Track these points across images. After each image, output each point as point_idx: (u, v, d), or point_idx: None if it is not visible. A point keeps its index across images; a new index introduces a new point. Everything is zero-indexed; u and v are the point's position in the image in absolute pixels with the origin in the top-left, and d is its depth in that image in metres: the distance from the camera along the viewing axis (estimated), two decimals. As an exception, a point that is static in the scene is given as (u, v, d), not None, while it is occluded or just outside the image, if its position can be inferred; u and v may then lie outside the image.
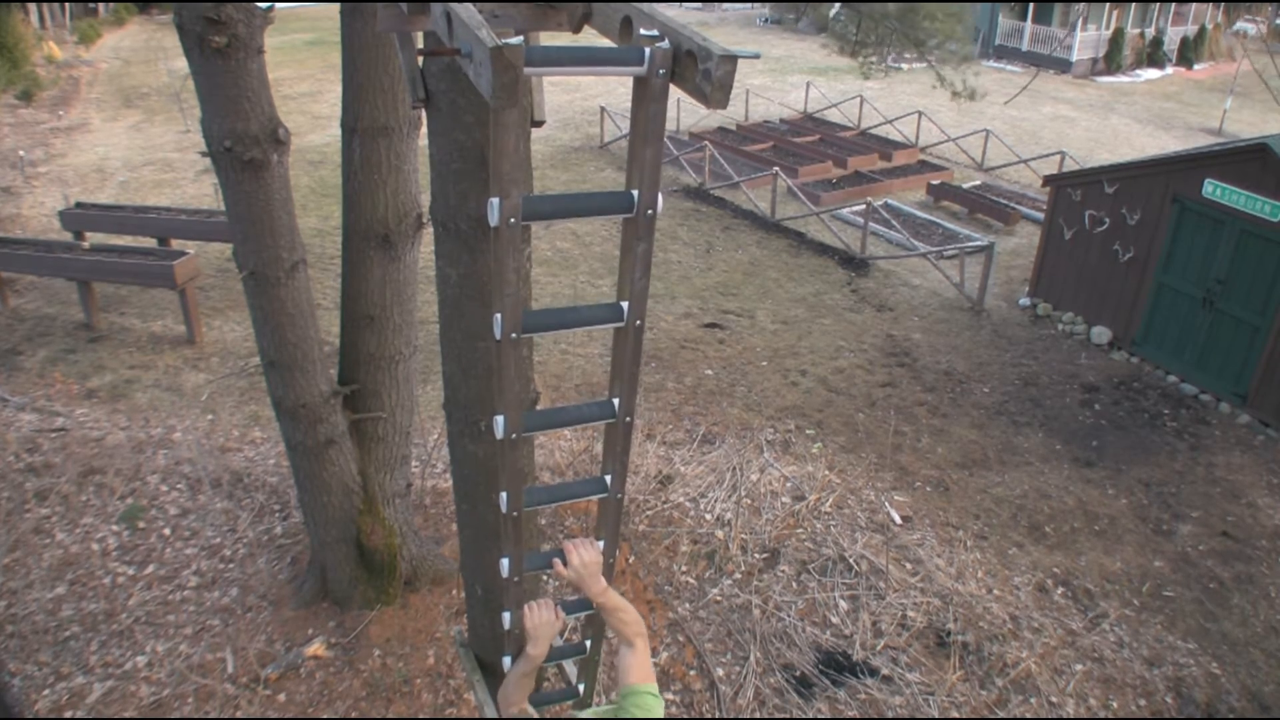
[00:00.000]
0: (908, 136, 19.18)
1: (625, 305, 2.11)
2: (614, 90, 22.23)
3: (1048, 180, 11.28)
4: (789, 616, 5.88)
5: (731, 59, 1.64)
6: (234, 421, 8.25)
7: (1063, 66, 27.55)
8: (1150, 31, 29.19)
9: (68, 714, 4.95)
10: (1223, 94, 23.49)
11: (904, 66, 16.89)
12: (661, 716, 2.59)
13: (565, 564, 2.55)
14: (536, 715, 2.83)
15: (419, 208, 4.98)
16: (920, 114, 19.17)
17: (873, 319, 11.29)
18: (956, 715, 5.29)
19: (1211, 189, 9.11)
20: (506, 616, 2.67)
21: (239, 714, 4.98)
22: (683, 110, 20.04)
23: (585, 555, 2.55)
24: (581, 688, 3.00)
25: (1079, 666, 5.80)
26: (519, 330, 2.04)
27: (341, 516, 5.37)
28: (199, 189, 14.81)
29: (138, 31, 31.12)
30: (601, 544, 2.62)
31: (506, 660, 2.82)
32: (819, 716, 5.19)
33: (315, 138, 17.93)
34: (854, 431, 8.61)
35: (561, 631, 2.88)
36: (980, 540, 7.07)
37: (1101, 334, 10.61)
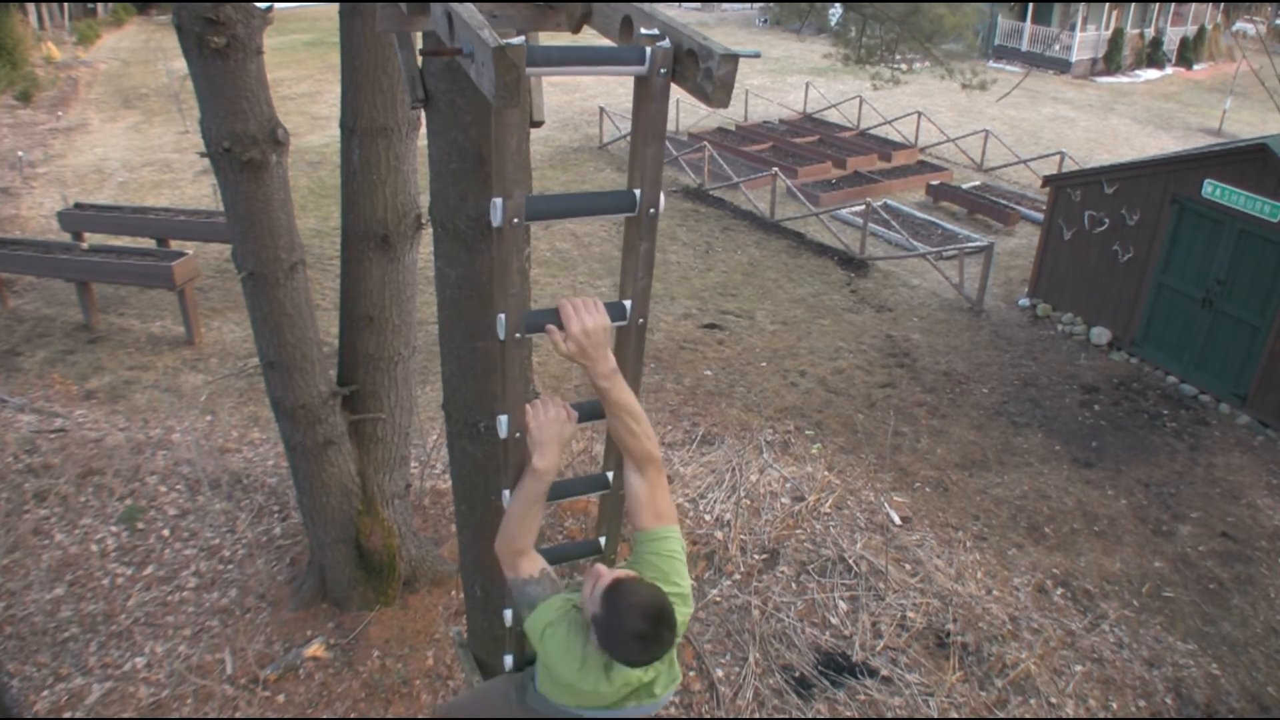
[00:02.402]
0: (907, 137, 19.18)
1: (628, 304, 2.11)
2: (613, 91, 22.22)
3: (1047, 181, 11.28)
4: (788, 617, 5.87)
5: (733, 58, 1.64)
6: (233, 422, 8.24)
7: (1062, 67, 27.56)
8: (1150, 32, 29.19)
9: (66, 715, 4.94)
10: (1222, 94, 23.50)
11: (904, 67, 16.89)
12: (682, 559, 2.15)
13: (562, 331, 1.96)
14: (549, 567, 2.28)
15: (418, 208, 4.98)
16: (919, 114, 19.17)
17: (872, 320, 11.29)
18: (956, 716, 5.28)
19: (1211, 189, 9.11)
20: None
21: (238, 715, 4.97)
22: (682, 110, 20.03)
23: (589, 321, 1.93)
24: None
25: (1078, 667, 5.80)
26: (523, 330, 2.04)
27: (340, 517, 5.37)
28: (198, 189, 14.79)
29: (136, 32, 31.07)
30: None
31: (508, 659, 2.74)
32: (818, 717, 5.18)
33: (314, 138, 17.91)
34: (853, 432, 8.60)
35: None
36: (980, 541, 7.07)
37: (1101, 334, 10.61)
